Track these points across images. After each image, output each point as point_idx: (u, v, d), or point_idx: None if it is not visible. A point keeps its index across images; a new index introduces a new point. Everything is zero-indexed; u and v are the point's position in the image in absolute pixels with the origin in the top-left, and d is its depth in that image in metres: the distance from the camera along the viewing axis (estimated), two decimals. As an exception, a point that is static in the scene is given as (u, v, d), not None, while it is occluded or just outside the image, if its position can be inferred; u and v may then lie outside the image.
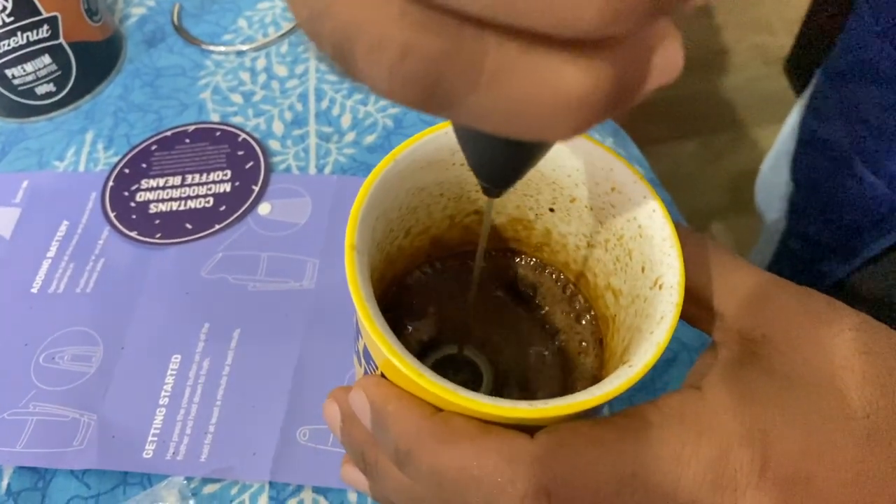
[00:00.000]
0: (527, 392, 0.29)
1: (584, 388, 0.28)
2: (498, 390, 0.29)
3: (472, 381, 0.29)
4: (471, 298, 0.27)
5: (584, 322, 0.30)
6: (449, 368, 0.29)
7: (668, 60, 0.13)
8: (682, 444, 0.21)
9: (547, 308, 0.30)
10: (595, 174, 0.26)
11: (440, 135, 0.26)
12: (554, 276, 0.31)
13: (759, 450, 0.20)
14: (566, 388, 0.28)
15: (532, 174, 0.27)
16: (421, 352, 0.29)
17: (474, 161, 0.19)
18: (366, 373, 0.25)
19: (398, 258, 0.29)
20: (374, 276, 0.25)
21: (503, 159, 0.18)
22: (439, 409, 0.22)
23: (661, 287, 0.23)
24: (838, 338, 0.22)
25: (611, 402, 0.22)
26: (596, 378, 0.28)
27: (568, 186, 0.27)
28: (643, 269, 0.25)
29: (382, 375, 0.23)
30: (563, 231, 0.29)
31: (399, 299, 0.30)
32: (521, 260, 0.32)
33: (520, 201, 0.29)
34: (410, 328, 0.30)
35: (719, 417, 0.21)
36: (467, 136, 0.18)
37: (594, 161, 0.26)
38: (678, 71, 0.13)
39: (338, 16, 0.12)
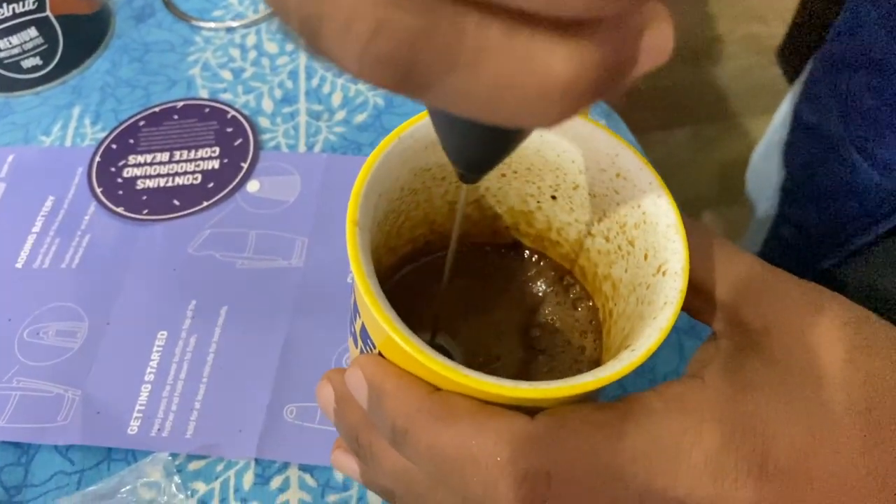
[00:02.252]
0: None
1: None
2: None
3: None
4: (443, 285, 0.26)
5: (580, 309, 0.29)
6: None
7: (657, 43, 0.12)
8: (683, 431, 0.20)
9: (544, 303, 0.30)
10: (600, 160, 0.25)
11: None
12: (552, 269, 0.31)
13: (760, 441, 0.20)
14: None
15: (535, 159, 0.27)
16: None
17: (449, 145, 0.18)
18: (362, 353, 0.24)
19: (397, 244, 0.29)
20: (372, 259, 0.25)
21: (480, 144, 0.17)
22: (438, 389, 0.21)
23: (664, 273, 0.23)
24: (841, 331, 0.21)
25: (606, 390, 0.21)
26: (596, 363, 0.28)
27: (571, 172, 0.27)
28: (646, 257, 0.24)
29: (380, 354, 0.23)
30: (564, 220, 0.28)
31: (394, 291, 0.30)
32: (518, 254, 0.31)
33: (522, 188, 0.28)
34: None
35: (721, 407, 0.21)
36: (442, 120, 0.17)
37: (599, 147, 0.25)
38: (668, 54, 0.13)
39: None
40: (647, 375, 0.39)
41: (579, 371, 0.28)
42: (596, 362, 0.28)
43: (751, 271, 0.23)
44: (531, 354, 0.29)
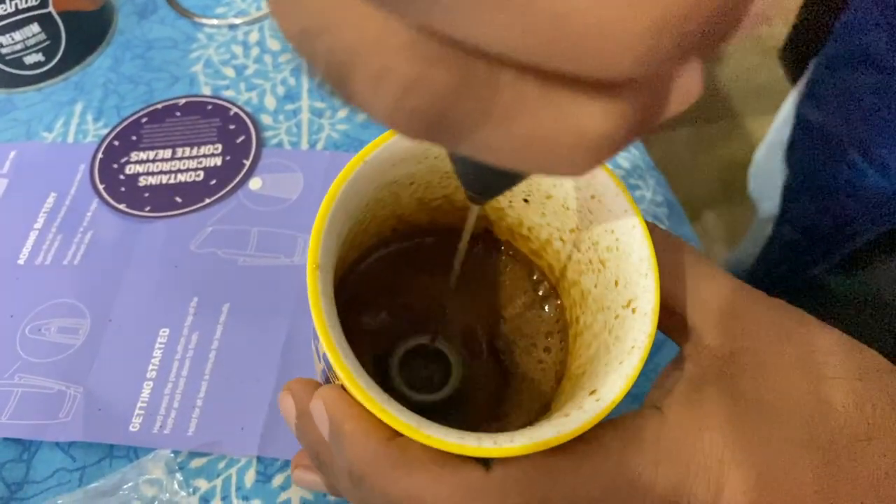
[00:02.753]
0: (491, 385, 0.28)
1: (547, 383, 0.28)
2: (465, 385, 0.28)
3: (440, 373, 0.28)
4: (448, 296, 0.26)
5: (546, 309, 0.29)
6: (419, 357, 0.29)
7: (687, 87, 0.12)
8: (639, 472, 0.21)
9: (511, 299, 0.30)
10: (575, 178, 0.25)
11: None
12: (522, 264, 0.30)
13: (714, 478, 0.21)
14: (528, 387, 0.28)
15: None
16: (391, 338, 0.29)
17: (464, 176, 0.18)
18: (324, 371, 0.24)
19: (363, 240, 0.29)
20: (338, 264, 0.24)
21: (495, 177, 0.18)
22: (398, 433, 0.21)
23: (634, 311, 0.23)
24: (808, 360, 0.21)
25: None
26: (557, 374, 0.28)
27: (545, 183, 0.26)
28: (616, 283, 0.24)
29: (342, 387, 0.23)
30: (536, 222, 0.28)
31: (364, 278, 0.30)
32: (487, 246, 0.31)
33: None
34: (378, 312, 0.29)
35: (678, 444, 0.21)
36: (461, 158, 0.17)
37: None
38: (697, 96, 0.13)
39: (336, 38, 0.11)
40: (650, 375, 0.38)
41: (543, 372, 0.28)
42: (561, 363, 0.28)
43: (722, 293, 0.23)
44: (495, 354, 0.29)
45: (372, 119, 0.12)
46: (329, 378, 0.24)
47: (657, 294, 0.22)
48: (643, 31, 0.09)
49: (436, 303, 0.29)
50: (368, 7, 0.10)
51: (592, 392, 0.22)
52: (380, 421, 0.21)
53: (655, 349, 0.39)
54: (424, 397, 0.27)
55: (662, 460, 0.21)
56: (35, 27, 0.47)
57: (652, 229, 0.24)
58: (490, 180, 0.18)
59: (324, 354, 0.23)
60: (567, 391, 0.26)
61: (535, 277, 0.30)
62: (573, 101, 0.11)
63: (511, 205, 0.28)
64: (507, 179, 0.18)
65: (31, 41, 0.48)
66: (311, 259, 0.22)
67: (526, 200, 0.28)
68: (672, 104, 0.12)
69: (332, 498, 0.34)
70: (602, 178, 0.24)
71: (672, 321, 0.24)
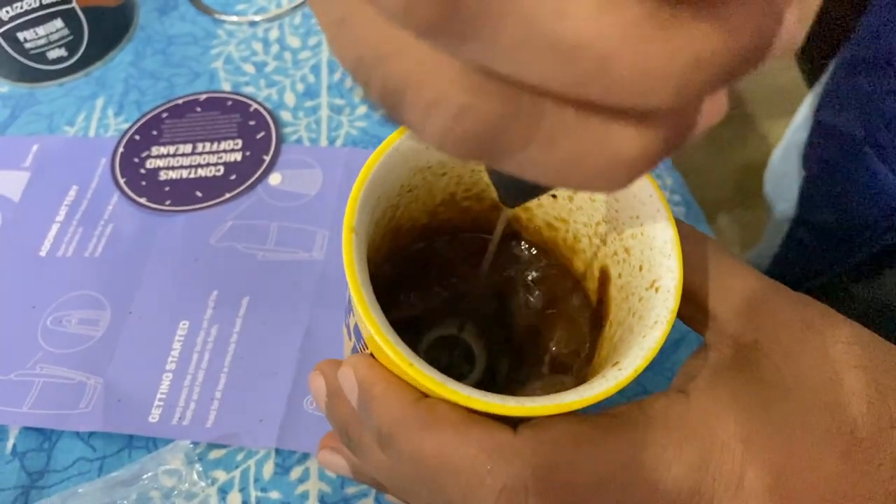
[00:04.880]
0: (518, 377, 0.28)
1: (576, 372, 0.28)
2: (490, 374, 0.28)
3: (465, 363, 0.29)
4: (478, 289, 0.26)
5: (577, 303, 0.29)
6: (444, 349, 0.29)
7: (714, 107, 0.13)
8: (663, 448, 0.21)
9: (542, 293, 0.30)
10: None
11: None
12: (551, 261, 0.31)
13: (738, 460, 0.21)
14: (558, 373, 0.28)
15: None
16: (417, 327, 0.29)
17: (498, 185, 0.19)
18: (355, 348, 0.25)
19: (396, 235, 0.29)
20: (370, 250, 0.25)
21: (528, 186, 0.18)
22: (426, 395, 0.21)
23: (657, 290, 0.23)
24: (831, 350, 0.22)
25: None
26: (588, 362, 0.28)
27: None
28: (641, 268, 0.24)
29: (371, 355, 0.23)
30: (565, 217, 0.29)
31: (398, 272, 0.30)
32: (518, 245, 0.31)
33: None
34: (406, 300, 0.29)
35: (703, 424, 0.21)
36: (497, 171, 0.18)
37: None
38: (723, 114, 0.13)
39: (391, 67, 0.12)
40: (667, 374, 0.38)
41: (572, 365, 0.28)
42: (588, 358, 0.28)
43: (745, 284, 0.24)
44: (524, 347, 0.29)
45: (423, 141, 0.13)
46: (358, 350, 0.24)
47: (680, 272, 0.23)
48: (680, 69, 0.10)
49: (466, 299, 0.30)
50: (423, 43, 0.11)
51: (615, 364, 0.22)
52: (407, 383, 0.21)
53: (672, 348, 0.39)
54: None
55: (688, 438, 0.21)
56: (58, 22, 0.48)
57: (677, 224, 0.24)
58: (523, 188, 0.18)
59: (355, 325, 0.24)
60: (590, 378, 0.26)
61: (563, 274, 0.30)
62: (610, 127, 0.12)
63: (539, 203, 0.29)
64: (539, 188, 0.19)
65: (55, 36, 0.48)
66: (346, 224, 0.22)
67: (554, 196, 0.28)
68: (700, 123, 0.13)
69: (350, 491, 0.34)
70: None
71: (695, 311, 0.24)
